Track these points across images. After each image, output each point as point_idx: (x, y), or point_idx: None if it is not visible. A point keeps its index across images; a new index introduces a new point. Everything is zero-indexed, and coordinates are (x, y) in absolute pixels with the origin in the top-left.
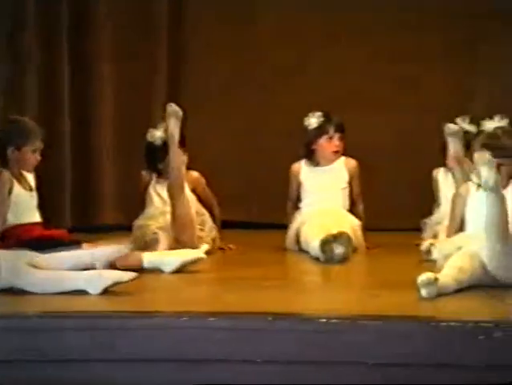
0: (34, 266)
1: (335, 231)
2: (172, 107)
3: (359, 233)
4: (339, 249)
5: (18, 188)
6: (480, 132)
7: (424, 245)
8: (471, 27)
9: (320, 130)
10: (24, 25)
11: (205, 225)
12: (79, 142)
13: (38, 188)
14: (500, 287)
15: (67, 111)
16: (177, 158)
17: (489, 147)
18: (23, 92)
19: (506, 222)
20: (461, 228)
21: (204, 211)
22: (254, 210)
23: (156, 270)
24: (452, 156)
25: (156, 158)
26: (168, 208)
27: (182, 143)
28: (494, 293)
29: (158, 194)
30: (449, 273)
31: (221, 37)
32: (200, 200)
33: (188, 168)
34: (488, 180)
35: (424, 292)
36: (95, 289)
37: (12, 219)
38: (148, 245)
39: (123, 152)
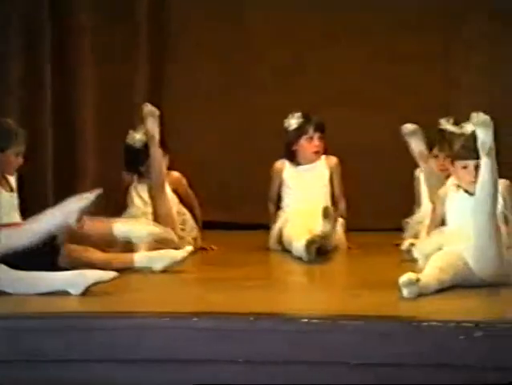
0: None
1: (318, 231)
2: (148, 107)
3: (341, 230)
4: (325, 227)
5: None
6: (461, 134)
7: (405, 244)
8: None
9: (300, 130)
10: (7, 27)
11: (186, 225)
12: (61, 144)
13: (21, 190)
14: (483, 287)
15: (49, 114)
16: (158, 158)
17: (468, 148)
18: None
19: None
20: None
21: (185, 211)
22: (235, 210)
23: (141, 271)
24: (416, 155)
25: (136, 161)
26: (149, 209)
27: (162, 144)
28: (477, 293)
29: (139, 195)
30: (430, 273)
31: (207, 36)
32: (181, 200)
33: (170, 168)
34: (485, 143)
35: (405, 292)
36: (76, 289)
37: None
38: (129, 245)
39: (105, 153)
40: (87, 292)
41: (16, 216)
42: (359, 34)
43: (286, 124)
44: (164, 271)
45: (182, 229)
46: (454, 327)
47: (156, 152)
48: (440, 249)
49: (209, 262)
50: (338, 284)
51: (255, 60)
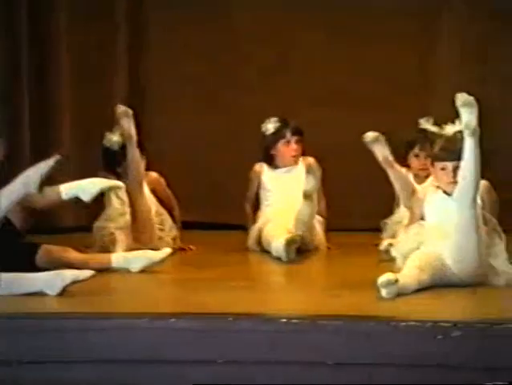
0: None
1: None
2: (121, 108)
3: (321, 231)
4: (309, 182)
5: None
6: (441, 136)
7: (383, 244)
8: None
9: (277, 135)
10: None
11: (164, 225)
12: (38, 146)
13: None
14: (461, 287)
15: (27, 119)
16: (136, 158)
17: (447, 150)
18: None
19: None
20: None
21: (163, 211)
22: (213, 210)
23: (119, 271)
24: (381, 162)
25: (113, 162)
26: (128, 210)
27: (139, 145)
28: (455, 293)
29: (117, 196)
30: (409, 274)
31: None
32: (159, 200)
33: (148, 168)
34: (469, 123)
35: (384, 292)
36: (53, 289)
37: None
38: (107, 246)
39: (83, 154)
40: (64, 292)
41: None
42: (346, 35)
43: (263, 129)
44: (142, 271)
45: (161, 229)
46: (432, 327)
47: (134, 152)
48: (418, 248)
49: (187, 263)
50: (317, 284)
51: (242, 61)
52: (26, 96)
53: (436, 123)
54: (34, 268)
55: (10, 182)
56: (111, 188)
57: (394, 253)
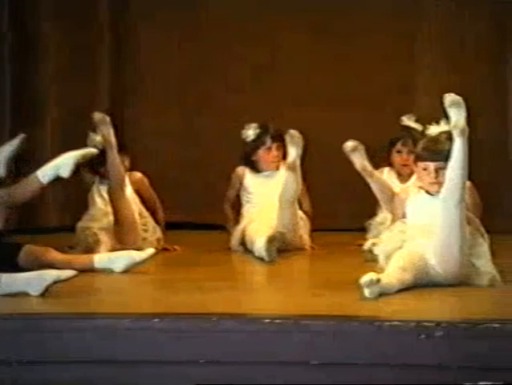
0: None
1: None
2: (99, 115)
3: (305, 231)
4: (292, 154)
5: None
6: (423, 133)
7: (367, 244)
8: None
9: (258, 142)
10: None
11: (147, 226)
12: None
13: None
14: (444, 287)
15: (10, 113)
16: (117, 163)
17: (429, 150)
18: None
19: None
20: None
21: (146, 213)
22: (198, 211)
23: (102, 272)
24: (359, 171)
25: (97, 162)
26: (111, 209)
27: (123, 147)
28: (438, 292)
29: (101, 195)
30: (392, 273)
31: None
32: (143, 201)
33: (132, 168)
34: (457, 123)
35: (367, 292)
36: (36, 290)
37: None
38: (91, 246)
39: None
40: (46, 293)
41: None
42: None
43: (243, 136)
44: (126, 272)
45: (145, 230)
46: (415, 327)
47: (114, 157)
48: (401, 247)
49: (171, 263)
50: (300, 284)
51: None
52: (8, 92)
53: (417, 120)
54: (16, 268)
55: None
56: (85, 156)
57: (376, 251)
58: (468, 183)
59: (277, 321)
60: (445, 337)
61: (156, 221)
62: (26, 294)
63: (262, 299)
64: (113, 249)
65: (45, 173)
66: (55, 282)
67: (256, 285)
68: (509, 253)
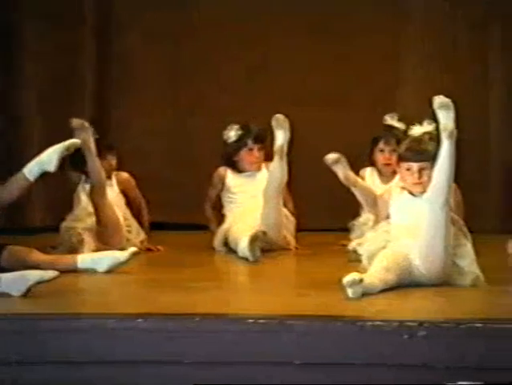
0: None
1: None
2: (77, 121)
3: (290, 231)
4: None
5: None
6: (407, 136)
7: (351, 244)
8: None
9: (239, 143)
10: None
11: (131, 227)
12: (5, 142)
13: None
14: (427, 287)
15: None
16: (97, 168)
17: (413, 151)
18: None
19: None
20: None
21: (130, 216)
22: (180, 211)
23: (86, 272)
24: (343, 181)
25: (82, 161)
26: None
27: (111, 147)
28: (421, 292)
29: (86, 194)
30: (375, 273)
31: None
32: (129, 201)
33: (119, 168)
34: (446, 126)
35: (350, 292)
36: (18, 290)
37: None
38: (74, 246)
39: None
40: (28, 293)
41: None
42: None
43: (224, 137)
44: (109, 272)
45: (128, 232)
46: (398, 326)
47: (94, 163)
48: (385, 247)
49: (154, 263)
50: (284, 284)
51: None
52: None
53: (400, 120)
54: None
55: None
56: (69, 148)
57: (360, 251)
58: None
59: (261, 321)
60: (428, 337)
61: (140, 223)
62: (7, 295)
63: (246, 299)
64: (97, 250)
65: (31, 170)
66: (38, 283)
67: (240, 285)
68: (492, 253)
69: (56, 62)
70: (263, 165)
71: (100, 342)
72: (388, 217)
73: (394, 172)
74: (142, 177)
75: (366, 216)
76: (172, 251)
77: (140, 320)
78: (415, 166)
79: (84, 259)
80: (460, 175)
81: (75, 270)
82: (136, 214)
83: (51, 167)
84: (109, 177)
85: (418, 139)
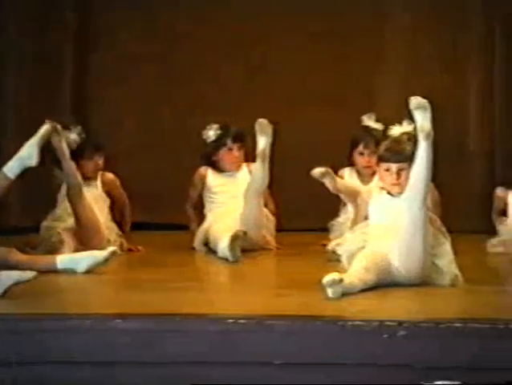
0: None
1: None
2: (50, 123)
3: (270, 231)
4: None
5: None
6: (382, 132)
7: (330, 245)
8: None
9: (219, 142)
10: None
11: (111, 231)
12: None
13: None
14: (407, 287)
15: None
16: (72, 171)
17: (392, 151)
18: None
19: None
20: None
21: (110, 223)
22: (161, 211)
23: (65, 272)
24: (332, 192)
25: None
26: None
27: (98, 147)
28: (401, 292)
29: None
30: (354, 273)
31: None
32: (113, 202)
33: (105, 168)
34: (423, 127)
35: (329, 292)
36: None
37: None
38: (54, 246)
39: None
40: (6, 294)
41: None
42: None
43: (204, 136)
44: (89, 272)
45: (108, 233)
46: (378, 326)
47: (69, 166)
48: (364, 247)
49: (134, 263)
50: (264, 284)
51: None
52: None
53: (377, 120)
54: None
55: None
56: (44, 137)
57: (340, 251)
58: None
59: (241, 321)
60: (408, 336)
61: (120, 227)
62: None
63: (226, 299)
64: (77, 250)
65: (11, 168)
66: (16, 284)
67: (220, 285)
68: (471, 253)
69: (37, 64)
70: (244, 165)
71: (77, 343)
72: (366, 218)
73: (374, 174)
74: (130, 177)
75: (345, 216)
76: (152, 251)
77: (119, 320)
78: (394, 167)
79: (63, 259)
80: (437, 174)
81: (54, 270)
82: (119, 214)
83: (33, 161)
84: (94, 178)
85: (397, 140)
